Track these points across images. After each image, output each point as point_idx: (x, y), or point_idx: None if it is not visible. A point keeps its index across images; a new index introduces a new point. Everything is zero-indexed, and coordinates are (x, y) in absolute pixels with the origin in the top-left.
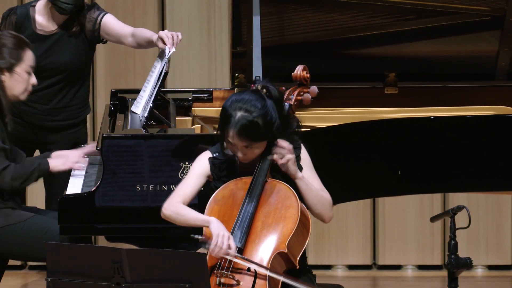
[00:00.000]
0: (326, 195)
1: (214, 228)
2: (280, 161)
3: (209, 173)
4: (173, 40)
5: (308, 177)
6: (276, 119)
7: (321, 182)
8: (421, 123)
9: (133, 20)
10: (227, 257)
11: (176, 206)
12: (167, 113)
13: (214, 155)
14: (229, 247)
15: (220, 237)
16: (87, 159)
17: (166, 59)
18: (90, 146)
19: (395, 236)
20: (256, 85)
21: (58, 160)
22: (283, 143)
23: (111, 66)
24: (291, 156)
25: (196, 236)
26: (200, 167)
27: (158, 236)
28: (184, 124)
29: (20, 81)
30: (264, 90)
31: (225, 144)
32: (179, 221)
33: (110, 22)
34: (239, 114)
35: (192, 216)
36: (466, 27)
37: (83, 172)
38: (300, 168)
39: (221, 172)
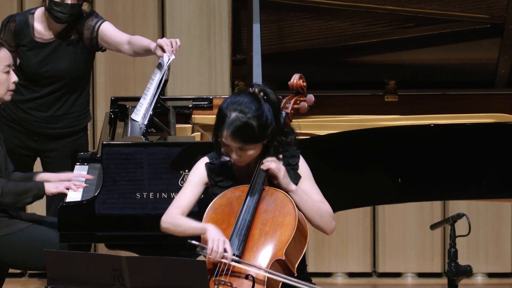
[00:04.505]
0: (324, 206)
1: (210, 234)
2: (272, 168)
3: (206, 179)
4: (172, 47)
5: (306, 188)
6: (272, 122)
7: (321, 193)
8: (421, 130)
9: (133, 27)
10: (225, 261)
11: (173, 218)
12: (167, 121)
13: (211, 160)
14: (225, 250)
15: (216, 241)
16: (82, 179)
17: (166, 66)
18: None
19: (395, 243)
20: (253, 88)
21: (51, 184)
22: (269, 158)
23: (111, 73)
24: (282, 171)
25: (192, 242)
26: (196, 176)
27: (158, 244)
28: (184, 132)
29: None
30: (262, 93)
31: (221, 147)
32: (177, 232)
33: (108, 29)
34: (233, 114)
35: (189, 226)
36: (466, 34)
37: (83, 179)
38: (298, 177)
39: (218, 177)
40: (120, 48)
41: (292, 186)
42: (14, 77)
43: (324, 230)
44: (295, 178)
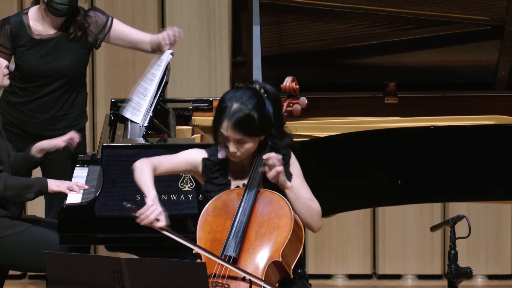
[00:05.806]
0: (314, 204)
1: (149, 199)
2: (270, 173)
3: (199, 171)
4: (171, 39)
5: (297, 185)
6: (272, 117)
7: (310, 191)
8: (421, 132)
9: None
10: (224, 264)
11: (144, 166)
12: (167, 123)
13: (208, 157)
14: (157, 220)
15: (152, 208)
16: (84, 185)
17: (164, 65)
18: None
19: (395, 245)
20: (254, 85)
21: (55, 181)
22: (271, 153)
23: (111, 75)
24: (280, 168)
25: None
26: (191, 156)
27: (158, 246)
28: (184, 134)
29: None
30: (262, 90)
31: (218, 138)
32: (135, 177)
33: (124, 29)
34: (235, 105)
35: (142, 179)
36: (466, 36)
37: (83, 180)
38: (290, 175)
39: (213, 174)
40: (140, 46)
41: (288, 184)
42: (3, 61)
43: (312, 228)
44: (287, 175)
